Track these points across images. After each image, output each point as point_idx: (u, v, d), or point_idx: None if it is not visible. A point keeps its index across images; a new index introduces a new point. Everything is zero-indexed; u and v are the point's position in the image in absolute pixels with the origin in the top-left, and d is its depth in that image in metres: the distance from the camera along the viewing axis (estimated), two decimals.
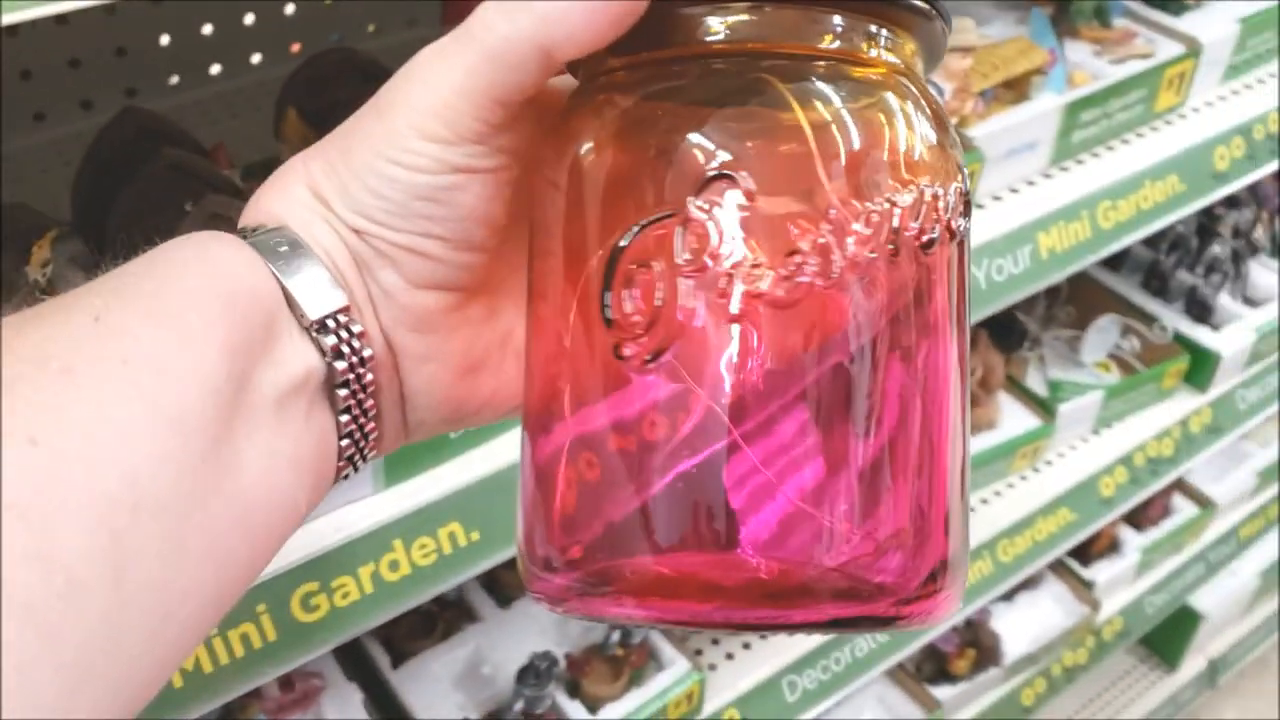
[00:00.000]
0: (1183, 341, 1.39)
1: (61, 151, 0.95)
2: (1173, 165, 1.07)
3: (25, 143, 0.96)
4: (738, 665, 1.12)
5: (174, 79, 1.01)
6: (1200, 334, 1.38)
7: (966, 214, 0.32)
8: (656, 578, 0.30)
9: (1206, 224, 1.43)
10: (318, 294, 0.33)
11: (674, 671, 1.04)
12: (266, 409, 0.31)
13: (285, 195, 0.34)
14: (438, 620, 1.08)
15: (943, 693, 1.40)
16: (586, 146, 0.32)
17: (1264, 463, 1.67)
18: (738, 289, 0.28)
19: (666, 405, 0.29)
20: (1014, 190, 1.02)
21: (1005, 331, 1.33)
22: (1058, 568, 1.52)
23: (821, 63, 0.31)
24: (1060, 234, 1.00)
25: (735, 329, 0.29)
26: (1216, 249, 1.40)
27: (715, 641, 1.14)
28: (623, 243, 0.30)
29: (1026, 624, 1.48)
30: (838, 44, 0.31)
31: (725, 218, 0.29)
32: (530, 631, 1.08)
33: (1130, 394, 1.34)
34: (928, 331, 0.31)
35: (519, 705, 0.99)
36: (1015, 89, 1.01)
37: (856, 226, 0.29)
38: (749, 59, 0.31)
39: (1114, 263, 1.47)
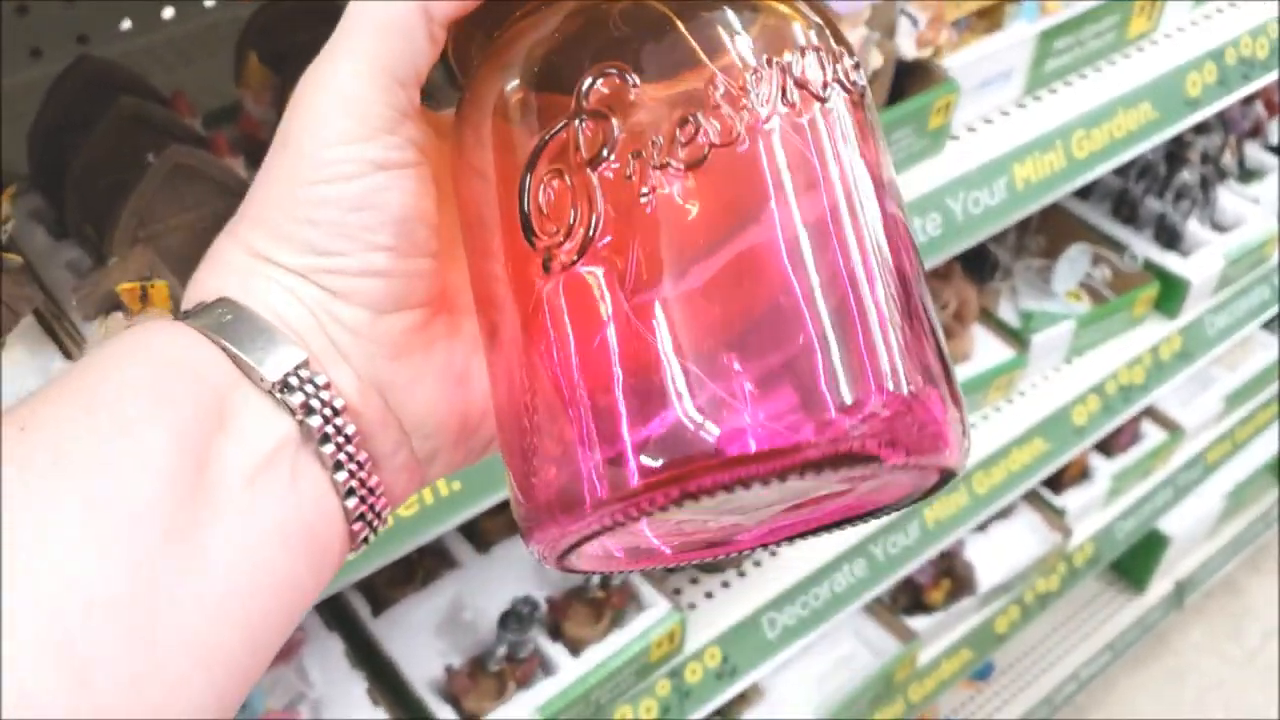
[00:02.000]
0: (1152, 269, 1.39)
1: (13, 102, 0.92)
2: (1145, 93, 1.06)
3: None
4: (717, 604, 1.12)
5: (126, 24, 0.98)
6: (1170, 261, 1.39)
7: (858, 71, 0.32)
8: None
9: (1175, 151, 1.43)
10: (272, 355, 0.31)
11: (655, 612, 1.04)
12: (234, 488, 0.29)
13: (220, 268, 0.33)
14: (417, 567, 1.07)
15: (919, 623, 1.42)
16: (491, 114, 0.31)
17: (1231, 387, 1.68)
18: (640, 167, 0.28)
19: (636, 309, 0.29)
20: (988, 121, 1.01)
21: (977, 263, 1.33)
22: (1030, 497, 1.53)
23: None
24: (1035, 165, 0.99)
25: (649, 203, 0.28)
26: (1185, 175, 1.40)
27: (694, 580, 1.15)
28: (528, 164, 0.30)
29: (1000, 553, 1.49)
30: None
31: (616, 105, 0.29)
32: (510, 576, 1.08)
33: (1101, 323, 1.34)
34: (844, 183, 0.30)
35: (502, 650, 0.99)
36: (988, 18, 0.99)
37: (748, 87, 0.29)
38: None
39: (1083, 191, 1.47)
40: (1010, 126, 1.00)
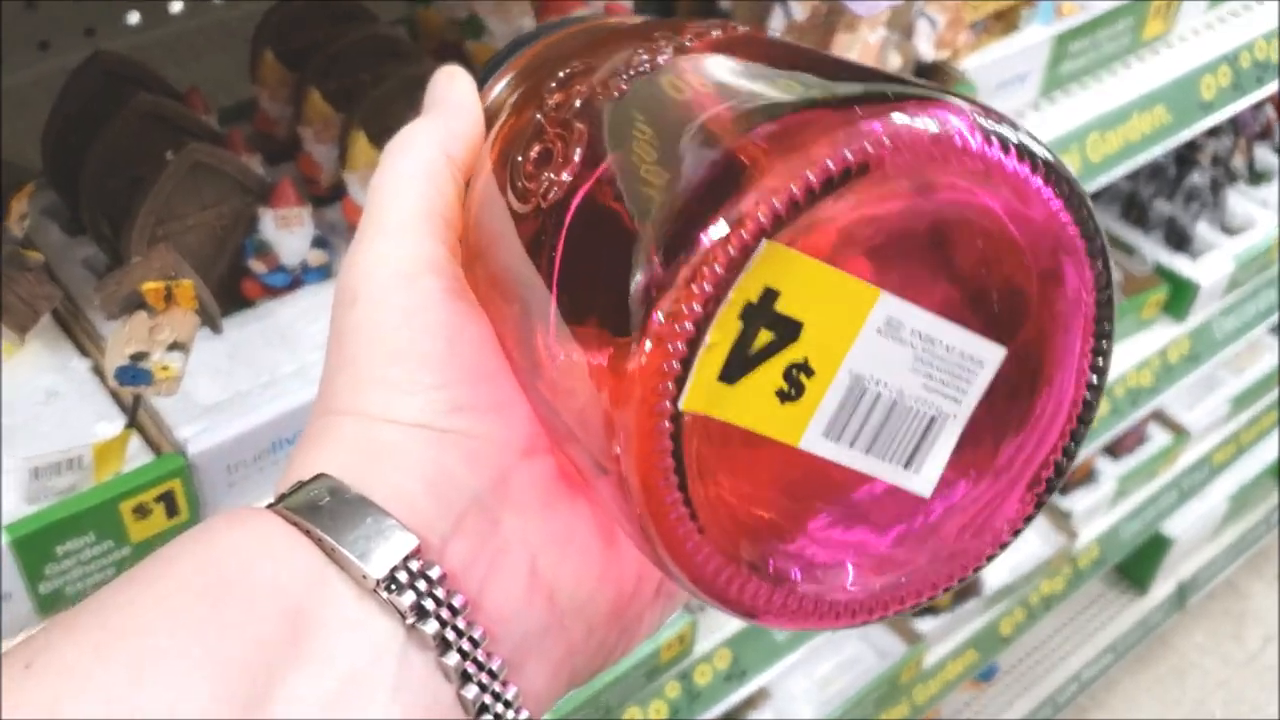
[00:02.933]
0: (1162, 271, 1.39)
1: (21, 96, 0.92)
2: (1160, 96, 1.06)
3: None
4: None
5: (133, 18, 0.97)
6: (1179, 263, 1.39)
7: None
8: None
9: (1185, 153, 1.43)
10: (378, 544, 0.25)
11: None
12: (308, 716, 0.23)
13: (318, 439, 0.28)
14: None
15: (924, 625, 1.42)
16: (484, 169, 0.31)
17: (1236, 389, 1.68)
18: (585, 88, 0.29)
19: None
20: None
21: None
22: None
23: None
24: None
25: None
26: (1195, 178, 1.39)
27: None
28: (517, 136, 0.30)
29: (1006, 555, 1.49)
30: None
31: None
32: None
33: None
34: None
35: None
36: (1005, 20, 0.99)
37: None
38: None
39: (1094, 194, 1.47)
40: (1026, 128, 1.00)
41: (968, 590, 1.44)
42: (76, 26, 0.94)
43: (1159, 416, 1.63)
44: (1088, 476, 1.56)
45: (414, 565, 0.25)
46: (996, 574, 1.46)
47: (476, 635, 0.25)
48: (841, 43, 0.85)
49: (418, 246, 0.29)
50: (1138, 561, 1.83)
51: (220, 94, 0.85)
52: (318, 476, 0.26)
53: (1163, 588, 1.87)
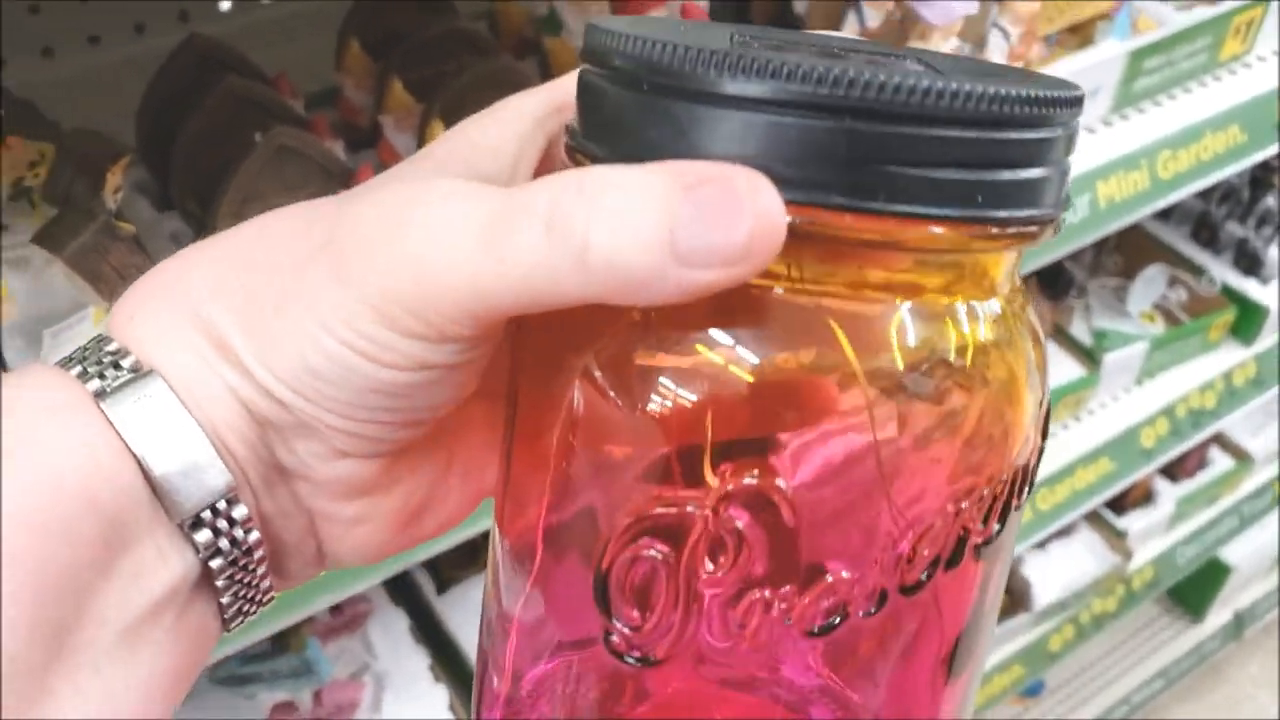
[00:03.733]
0: (1230, 294, 1.37)
1: (117, 75, 0.95)
2: (1235, 115, 1.05)
3: (80, 66, 0.96)
4: None
5: (226, 4, 1.00)
6: (1249, 286, 1.37)
7: (1035, 473, 0.27)
8: None
9: (1259, 175, 1.41)
10: (193, 479, 0.25)
11: None
12: (107, 645, 0.24)
13: (166, 325, 0.26)
14: (481, 549, 1.09)
15: None
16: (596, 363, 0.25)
17: None
18: (753, 611, 0.24)
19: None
20: None
21: (1052, 279, 1.32)
22: (1091, 517, 1.52)
23: (909, 302, 0.24)
24: (1119, 183, 0.99)
25: (736, 648, 0.25)
26: (1269, 201, 1.38)
27: None
28: (622, 533, 0.25)
29: (1058, 571, 1.48)
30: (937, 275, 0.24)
31: (755, 532, 0.24)
32: None
33: (1175, 345, 1.33)
34: (965, 650, 0.27)
35: None
36: (1079, 34, 0.99)
37: (911, 545, 0.24)
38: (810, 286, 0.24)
39: (1163, 212, 1.45)
40: (1096, 144, 1.00)
41: (1017, 603, 1.44)
42: (171, 11, 0.98)
43: (1221, 440, 1.61)
44: (1146, 497, 1.55)
45: (221, 505, 0.25)
46: (1048, 589, 1.45)
47: (255, 559, 0.27)
48: None
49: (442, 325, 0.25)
50: (1194, 587, 1.81)
51: (307, 80, 0.88)
52: (151, 372, 0.25)
53: (1219, 616, 1.85)
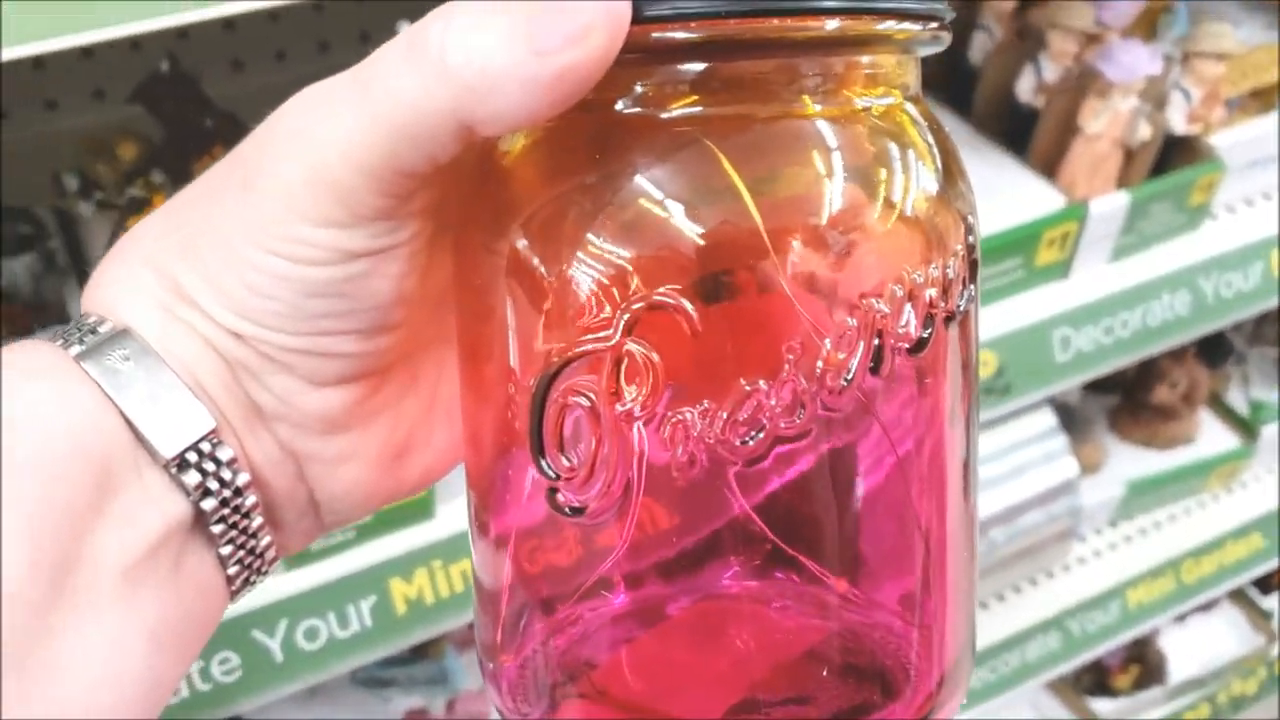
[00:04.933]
0: None
1: (300, 89, 0.99)
2: None
3: (267, 80, 1.00)
4: None
5: (404, 23, 1.04)
6: None
7: (972, 278, 0.27)
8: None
9: None
10: (174, 422, 0.26)
11: None
12: (107, 587, 0.25)
13: (133, 286, 0.27)
14: None
15: (1100, 706, 1.37)
16: (523, 223, 0.26)
17: None
18: (685, 435, 0.25)
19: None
20: (1249, 203, 0.98)
21: (1212, 346, 1.28)
22: (1236, 594, 1.46)
23: (800, 107, 0.25)
24: None
25: (681, 477, 0.25)
26: None
27: None
28: (550, 374, 0.25)
29: (1196, 647, 1.43)
30: (822, 81, 0.25)
31: (668, 341, 0.24)
32: None
33: None
34: (920, 441, 0.27)
35: None
36: (1261, 99, 0.96)
37: (828, 350, 0.24)
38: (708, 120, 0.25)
39: None
40: (1272, 211, 0.97)
41: (1152, 676, 1.39)
42: (353, 31, 1.01)
43: None
44: None
45: (205, 447, 0.26)
46: (1184, 665, 1.40)
47: (249, 506, 0.27)
48: (1091, 109, 0.84)
49: (355, 198, 0.25)
50: None
51: None
52: (124, 332, 0.26)
53: None
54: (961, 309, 0.26)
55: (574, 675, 0.28)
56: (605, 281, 0.24)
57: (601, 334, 0.24)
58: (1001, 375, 0.88)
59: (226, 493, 0.27)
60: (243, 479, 0.27)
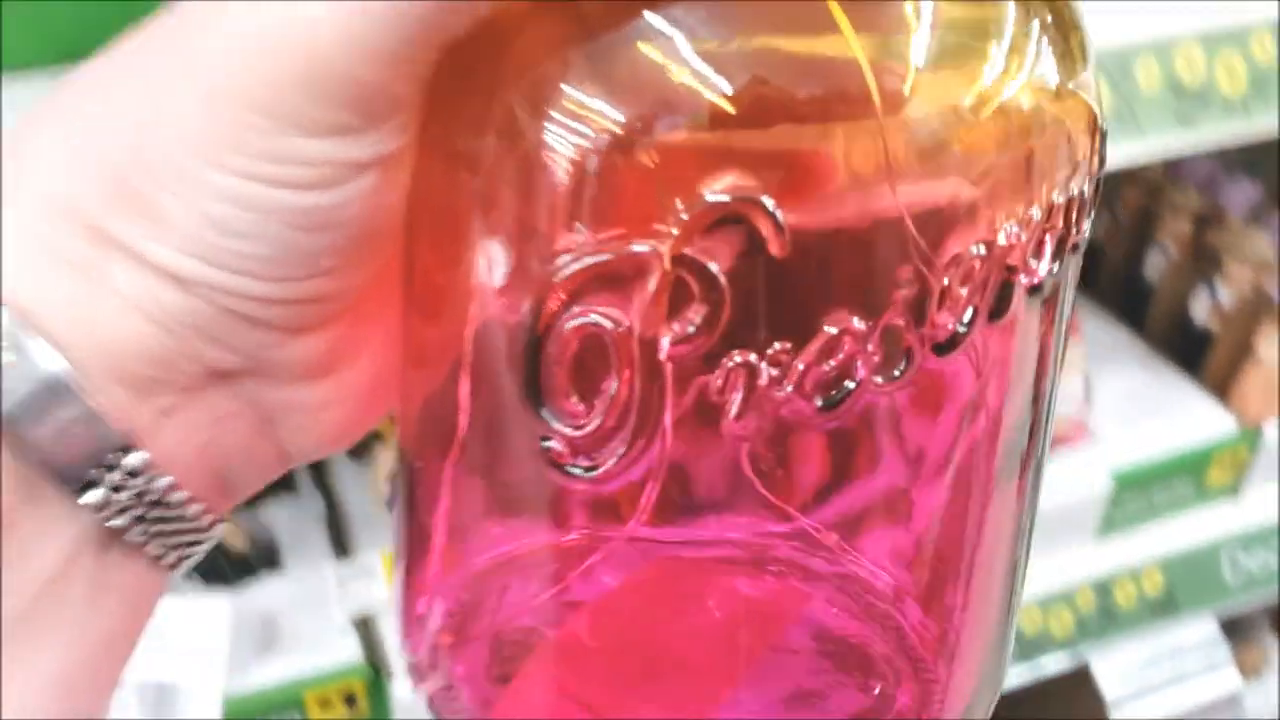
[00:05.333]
0: None
1: None
2: None
3: None
4: None
5: None
6: None
7: (1094, 202, 0.21)
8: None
9: None
10: (71, 439, 0.20)
11: None
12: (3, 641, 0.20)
13: (28, 249, 0.20)
14: None
15: None
16: (528, 92, 0.19)
17: None
18: (742, 384, 0.18)
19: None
20: None
21: None
22: None
23: None
24: None
25: (735, 448, 0.19)
26: None
27: None
28: (559, 296, 0.19)
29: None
30: None
31: (734, 273, 0.18)
32: None
33: None
34: (998, 411, 0.21)
35: None
36: None
37: (947, 284, 0.18)
38: None
39: None
40: None
41: None
42: None
43: None
44: None
45: (110, 458, 0.21)
46: None
47: (175, 504, 0.22)
48: (1265, 334, 0.85)
49: (372, 92, 0.19)
50: None
51: None
52: (23, 327, 0.20)
53: None
54: (1084, 243, 0.21)
55: (525, 654, 0.23)
56: (650, 169, 0.18)
57: (641, 242, 0.18)
58: (1169, 594, 0.87)
59: (142, 506, 0.21)
60: (162, 483, 0.21)
